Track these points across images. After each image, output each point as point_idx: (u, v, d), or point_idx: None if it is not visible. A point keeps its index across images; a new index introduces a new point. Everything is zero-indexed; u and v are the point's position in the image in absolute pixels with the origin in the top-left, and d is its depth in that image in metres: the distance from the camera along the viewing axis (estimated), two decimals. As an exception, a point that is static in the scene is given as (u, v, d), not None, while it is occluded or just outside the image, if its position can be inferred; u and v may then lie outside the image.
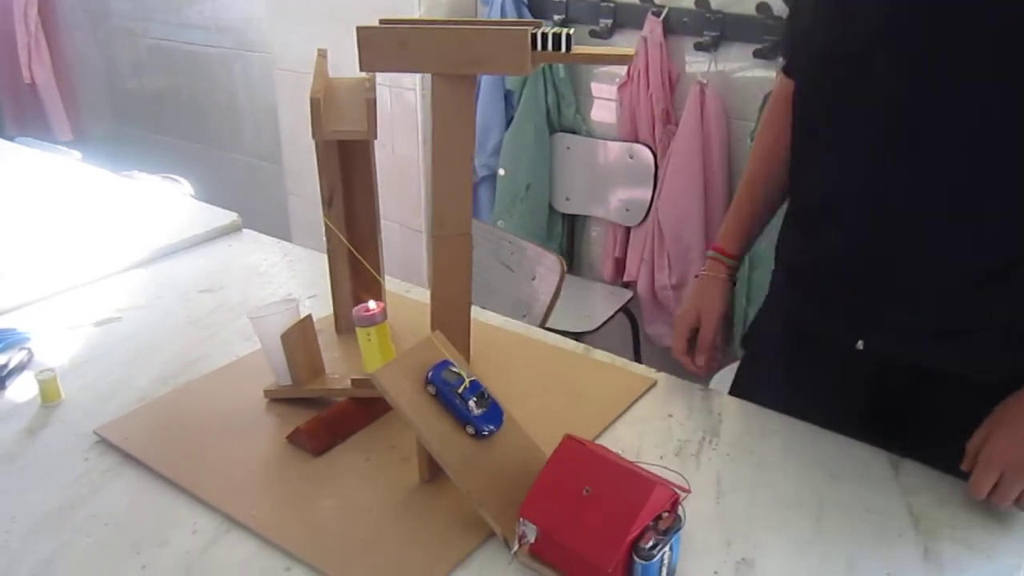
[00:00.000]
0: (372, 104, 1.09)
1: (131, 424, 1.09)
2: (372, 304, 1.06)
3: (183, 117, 3.66)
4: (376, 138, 1.11)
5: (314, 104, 1.09)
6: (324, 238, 1.25)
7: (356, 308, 1.06)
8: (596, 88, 2.48)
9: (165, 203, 1.88)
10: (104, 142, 4.00)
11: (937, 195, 0.93)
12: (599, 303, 2.42)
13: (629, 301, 2.43)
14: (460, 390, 0.92)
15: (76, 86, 4.09)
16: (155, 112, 3.79)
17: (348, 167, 1.25)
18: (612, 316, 2.33)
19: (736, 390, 1.21)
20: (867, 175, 0.97)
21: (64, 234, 1.70)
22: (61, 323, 1.37)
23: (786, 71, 1.15)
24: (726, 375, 2.13)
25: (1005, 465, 0.88)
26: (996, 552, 0.88)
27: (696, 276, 1.21)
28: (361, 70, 1.04)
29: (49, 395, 1.15)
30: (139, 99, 3.85)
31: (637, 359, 2.34)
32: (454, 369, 0.94)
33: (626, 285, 2.53)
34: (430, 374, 0.93)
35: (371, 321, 1.06)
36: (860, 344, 1.04)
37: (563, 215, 2.62)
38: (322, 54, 1.21)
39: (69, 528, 0.93)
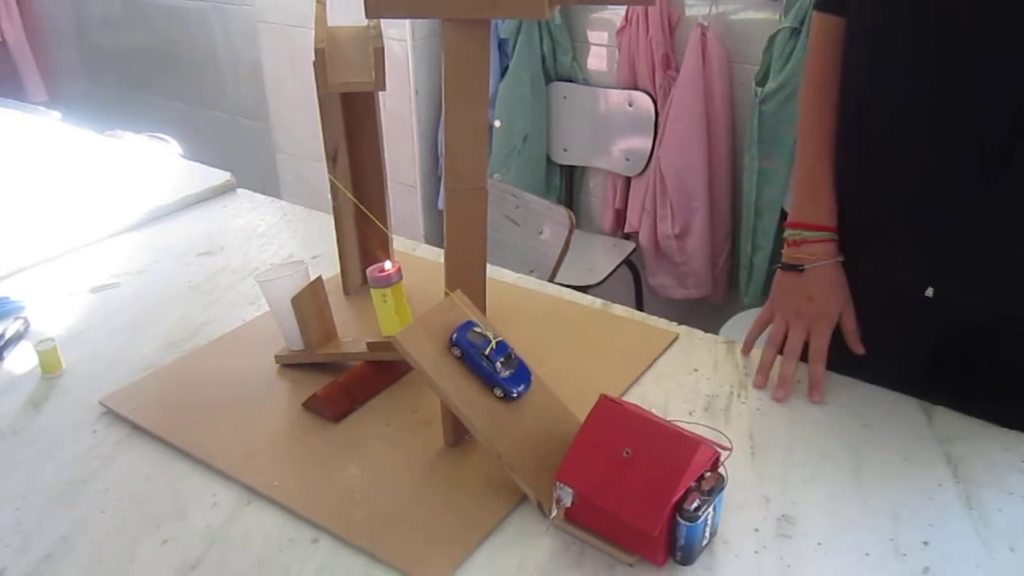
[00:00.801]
0: (380, 52, 1.04)
1: (138, 393, 1.05)
2: (388, 264, 1.01)
3: (162, 75, 3.55)
4: (384, 88, 1.06)
5: (319, 55, 1.03)
6: (319, 196, 1.21)
7: (370, 269, 1.02)
8: (592, 35, 2.42)
9: (154, 163, 1.81)
10: (80, 102, 3.89)
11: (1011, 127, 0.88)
12: (601, 256, 2.39)
13: (632, 253, 2.40)
14: (487, 352, 0.88)
15: (49, 44, 3.96)
16: (132, 70, 3.68)
17: (351, 121, 1.20)
18: (615, 269, 2.30)
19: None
20: (938, 108, 0.91)
21: (52, 198, 1.64)
22: (56, 291, 1.32)
23: (823, 8, 1.07)
24: (740, 322, 2.11)
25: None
26: (1036, 497, 0.86)
27: (801, 268, 1.07)
28: (367, 17, 0.98)
29: (50, 366, 1.11)
30: (115, 57, 3.73)
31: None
32: (479, 330, 0.91)
33: (627, 236, 2.49)
34: (455, 336, 0.89)
35: (387, 282, 1.01)
36: (930, 292, 1.00)
37: (561, 167, 2.57)
38: (321, 1, 1.15)
39: (84, 504, 0.89)
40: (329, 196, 1.21)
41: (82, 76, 3.93)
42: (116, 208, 1.57)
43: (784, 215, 2.15)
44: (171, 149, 1.91)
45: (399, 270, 1.02)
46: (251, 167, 2.97)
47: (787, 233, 1.10)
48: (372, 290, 1.03)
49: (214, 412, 1.02)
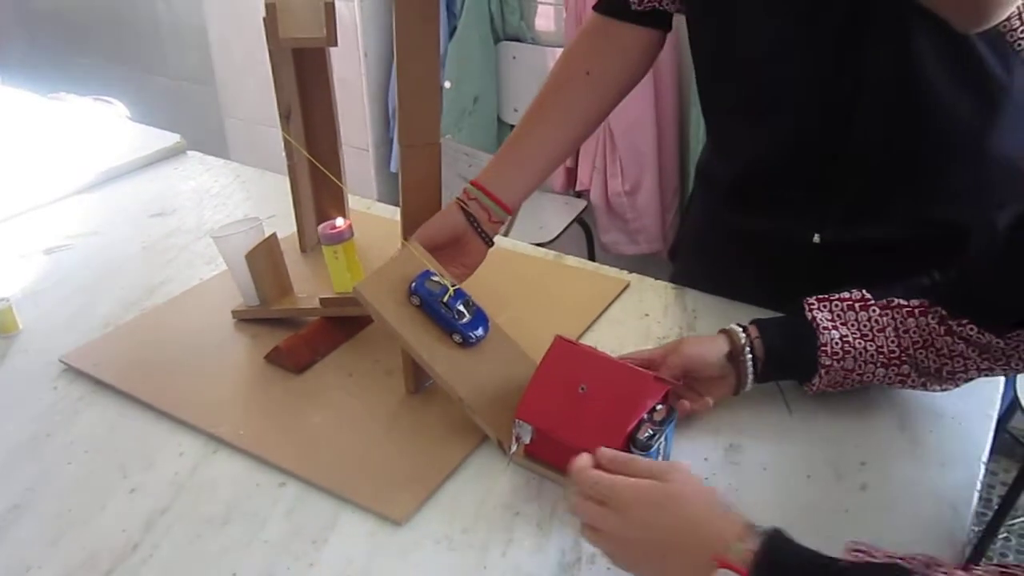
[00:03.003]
0: (331, 8, 1.04)
1: (99, 350, 1.06)
2: (339, 221, 1.03)
3: (103, 38, 3.46)
4: (336, 44, 1.06)
5: (269, 10, 1.03)
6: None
7: (322, 226, 1.04)
8: (540, -6, 2.43)
9: (101, 126, 1.78)
10: (19, 66, 3.76)
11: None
12: (553, 214, 2.42)
13: (583, 211, 2.43)
14: (445, 299, 0.91)
15: (-19, 8, 3.82)
16: (72, 33, 3.57)
17: (304, 79, 1.20)
18: (567, 227, 2.33)
19: None
20: (789, 70, 0.96)
21: (-4, 162, 1.62)
22: (7, 252, 1.31)
23: (601, 10, 1.08)
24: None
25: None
26: (963, 416, 0.92)
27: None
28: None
29: (6, 325, 1.11)
30: (54, 19, 3.62)
31: (592, 268, 2.36)
32: (436, 278, 0.93)
33: (578, 194, 2.53)
34: (413, 285, 0.92)
35: (338, 238, 1.03)
36: (816, 238, 1.05)
37: (512, 127, 2.58)
38: (269, -44, 1.15)
39: (48, 456, 0.91)
40: (284, 156, 1.22)
41: (21, 39, 3.81)
42: (64, 171, 1.55)
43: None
44: (118, 112, 1.88)
45: (350, 227, 1.04)
46: (199, 132, 2.91)
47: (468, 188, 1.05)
48: (324, 247, 1.04)
49: (176, 367, 1.03)
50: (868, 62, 0.92)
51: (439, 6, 0.96)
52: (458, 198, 1.04)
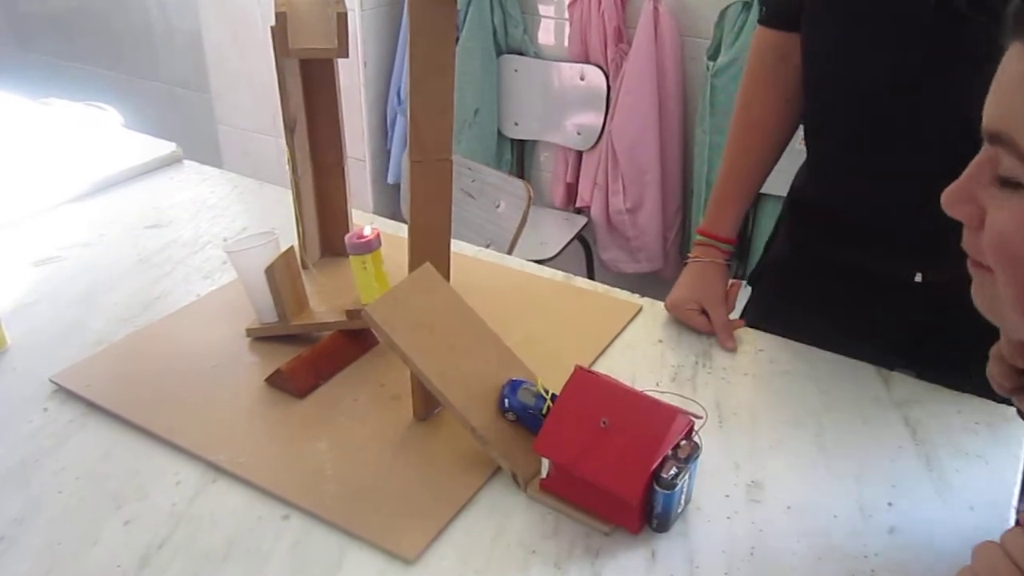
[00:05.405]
0: (343, 18, 1.01)
1: (92, 369, 1.02)
2: (367, 230, 0.99)
3: (94, 42, 3.41)
4: (347, 55, 1.03)
5: (279, 19, 1.00)
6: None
7: (348, 235, 1.00)
8: (544, 7, 2.40)
9: (94, 133, 1.74)
10: (8, 71, 3.71)
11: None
12: (553, 230, 2.39)
13: (583, 227, 2.40)
14: (544, 411, 0.85)
15: (-30, 9, 3.76)
16: (62, 36, 3.52)
17: (310, 89, 1.16)
18: (568, 243, 2.30)
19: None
20: (919, 91, 0.92)
21: (-14, 168, 1.57)
22: (-4, 265, 1.27)
23: (769, 23, 1.09)
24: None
25: None
26: (990, 455, 0.89)
27: (686, 261, 1.18)
28: (330, -20, 0.95)
29: (-6, 342, 1.07)
30: (43, 22, 3.57)
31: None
32: (528, 387, 0.87)
33: (579, 211, 2.50)
34: (506, 401, 0.86)
35: (367, 248, 0.99)
36: (918, 276, 1.01)
37: (512, 140, 2.55)
38: (277, -36, 1.11)
39: (37, 484, 0.86)
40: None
41: (9, 42, 3.75)
42: (55, 179, 1.50)
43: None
44: (111, 118, 1.84)
45: (378, 236, 1.00)
46: (192, 139, 2.87)
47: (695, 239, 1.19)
48: (352, 257, 1.00)
49: (173, 388, 0.99)
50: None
51: (455, 21, 0.93)
52: (709, 261, 1.15)
